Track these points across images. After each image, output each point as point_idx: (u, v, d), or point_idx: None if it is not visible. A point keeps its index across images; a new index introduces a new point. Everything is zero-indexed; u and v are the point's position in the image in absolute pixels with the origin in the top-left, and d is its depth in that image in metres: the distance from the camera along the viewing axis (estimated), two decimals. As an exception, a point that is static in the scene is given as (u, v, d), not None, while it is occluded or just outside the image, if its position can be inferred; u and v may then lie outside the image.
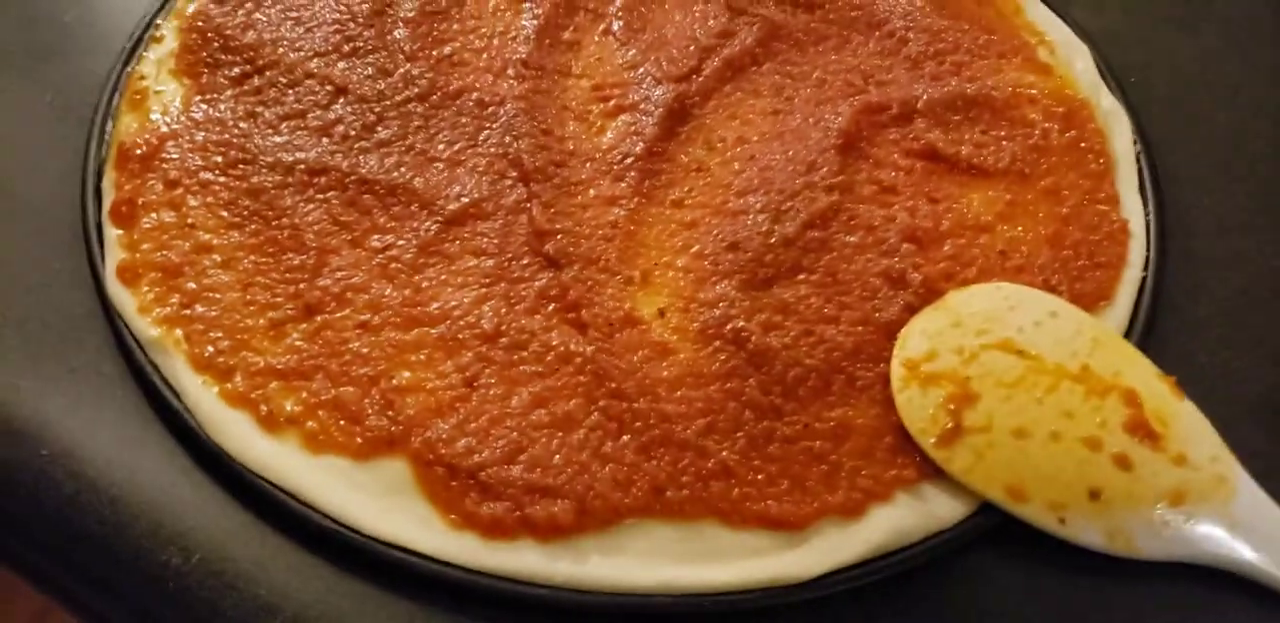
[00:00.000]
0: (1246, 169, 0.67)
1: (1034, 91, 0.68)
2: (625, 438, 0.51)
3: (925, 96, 0.66)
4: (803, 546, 0.49)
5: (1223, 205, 0.65)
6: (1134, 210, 0.64)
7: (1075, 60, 0.71)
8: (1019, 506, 0.50)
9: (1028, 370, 0.53)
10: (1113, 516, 0.50)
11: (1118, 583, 0.50)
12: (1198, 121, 0.70)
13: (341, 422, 0.51)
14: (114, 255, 0.56)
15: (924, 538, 0.50)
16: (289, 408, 0.52)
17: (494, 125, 0.64)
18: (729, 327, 0.55)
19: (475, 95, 0.65)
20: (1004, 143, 0.66)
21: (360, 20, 0.68)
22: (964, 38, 0.71)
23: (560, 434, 0.51)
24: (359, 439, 0.51)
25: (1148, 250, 0.62)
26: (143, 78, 0.65)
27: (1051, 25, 0.74)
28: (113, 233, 0.57)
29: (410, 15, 0.69)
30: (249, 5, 0.69)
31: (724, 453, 0.51)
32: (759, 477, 0.51)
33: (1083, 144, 0.66)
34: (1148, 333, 0.58)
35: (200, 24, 0.67)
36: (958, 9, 0.73)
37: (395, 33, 0.68)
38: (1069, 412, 0.52)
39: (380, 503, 0.49)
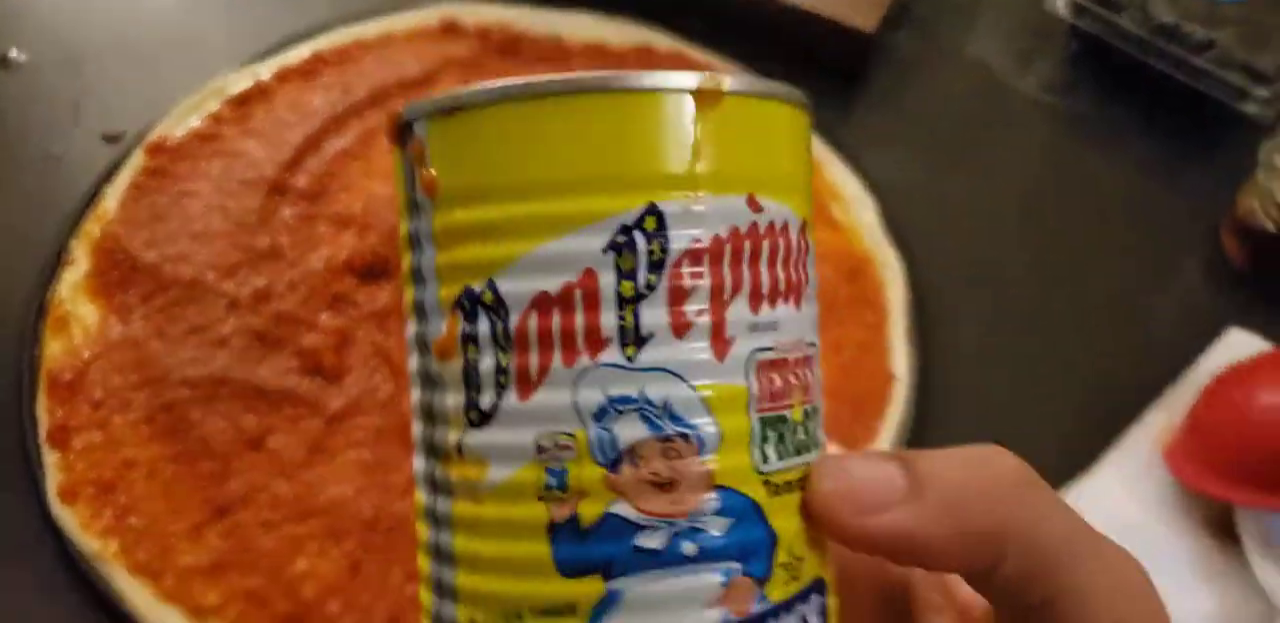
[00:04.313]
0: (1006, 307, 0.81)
1: (827, 249, 0.81)
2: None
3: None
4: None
5: (980, 340, 0.78)
6: (902, 357, 0.77)
7: (863, 214, 0.83)
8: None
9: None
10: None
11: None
12: (960, 262, 0.83)
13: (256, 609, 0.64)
14: (54, 476, 0.68)
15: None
16: (212, 600, 0.64)
17: (369, 324, 0.75)
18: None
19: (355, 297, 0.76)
20: (799, 301, 0.78)
21: (248, 227, 0.79)
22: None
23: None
24: (273, 623, 0.63)
25: (913, 392, 0.75)
26: (62, 301, 0.75)
27: (845, 181, 0.85)
28: (50, 456, 0.68)
29: (290, 221, 0.80)
30: (152, 224, 0.78)
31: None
32: None
33: (867, 296, 0.79)
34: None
35: (108, 245, 0.77)
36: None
37: (280, 238, 0.79)
38: None
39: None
